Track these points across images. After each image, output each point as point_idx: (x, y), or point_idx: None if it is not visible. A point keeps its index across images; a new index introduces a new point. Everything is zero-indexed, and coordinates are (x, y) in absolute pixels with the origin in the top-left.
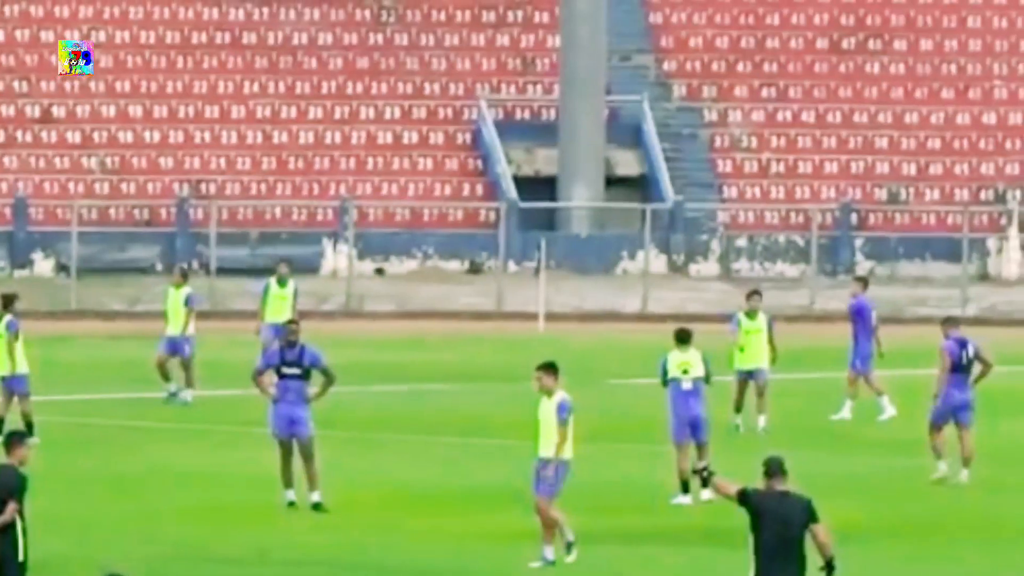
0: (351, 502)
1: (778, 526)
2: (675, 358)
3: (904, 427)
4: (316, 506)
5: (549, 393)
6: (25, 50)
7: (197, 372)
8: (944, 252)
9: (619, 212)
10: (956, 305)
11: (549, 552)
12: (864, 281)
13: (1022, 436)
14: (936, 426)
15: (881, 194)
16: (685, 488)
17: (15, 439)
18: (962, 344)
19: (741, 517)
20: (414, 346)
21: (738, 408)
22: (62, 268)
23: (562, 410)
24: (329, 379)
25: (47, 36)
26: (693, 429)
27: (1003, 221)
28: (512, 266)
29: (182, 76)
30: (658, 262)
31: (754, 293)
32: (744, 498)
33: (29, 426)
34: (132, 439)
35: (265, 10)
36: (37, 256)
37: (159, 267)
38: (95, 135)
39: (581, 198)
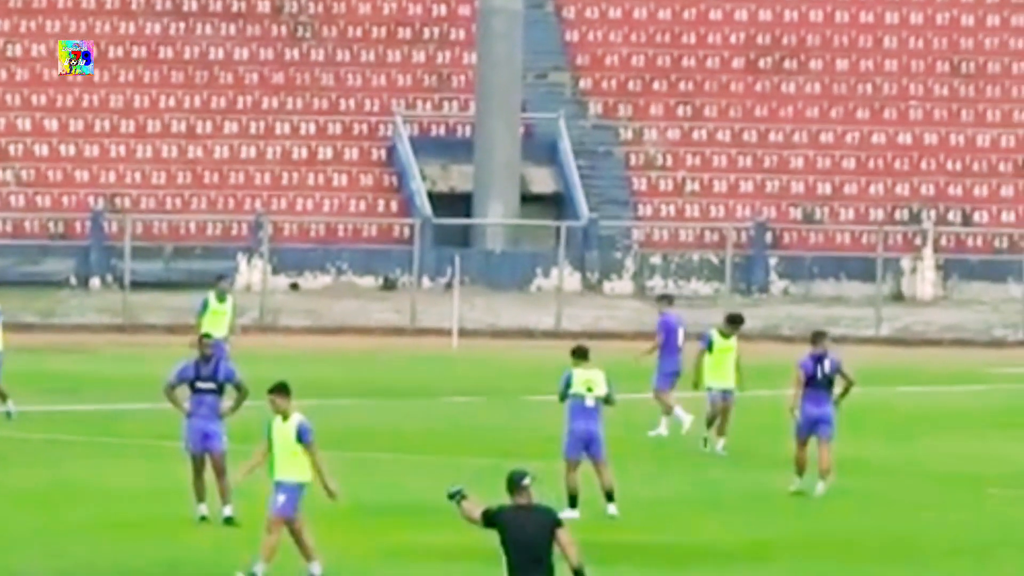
0: (263, 517)
1: (524, 540)
2: (579, 375)
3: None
4: (228, 520)
5: (285, 415)
6: None
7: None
8: (858, 272)
9: (534, 229)
10: (870, 325)
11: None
12: (669, 299)
13: (934, 454)
14: (799, 440)
15: (796, 213)
16: (573, 503)
17: None
18: (817, 359)
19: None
20: (328, 361)
21: (710, 423)
22: None
23: (304, 433)
24: (243, 394)
25: None
26: (588, 445)
27: (918, 241)
28: (426, 282)
29: (98, 90)
30: (572, 279)
31: (735, 318)
32: (489, 519)
33: None
34: (45, 452)
35: (181, 25)
36: None
37: (73, 280)
38: (10, 148)
39: (496, 215)
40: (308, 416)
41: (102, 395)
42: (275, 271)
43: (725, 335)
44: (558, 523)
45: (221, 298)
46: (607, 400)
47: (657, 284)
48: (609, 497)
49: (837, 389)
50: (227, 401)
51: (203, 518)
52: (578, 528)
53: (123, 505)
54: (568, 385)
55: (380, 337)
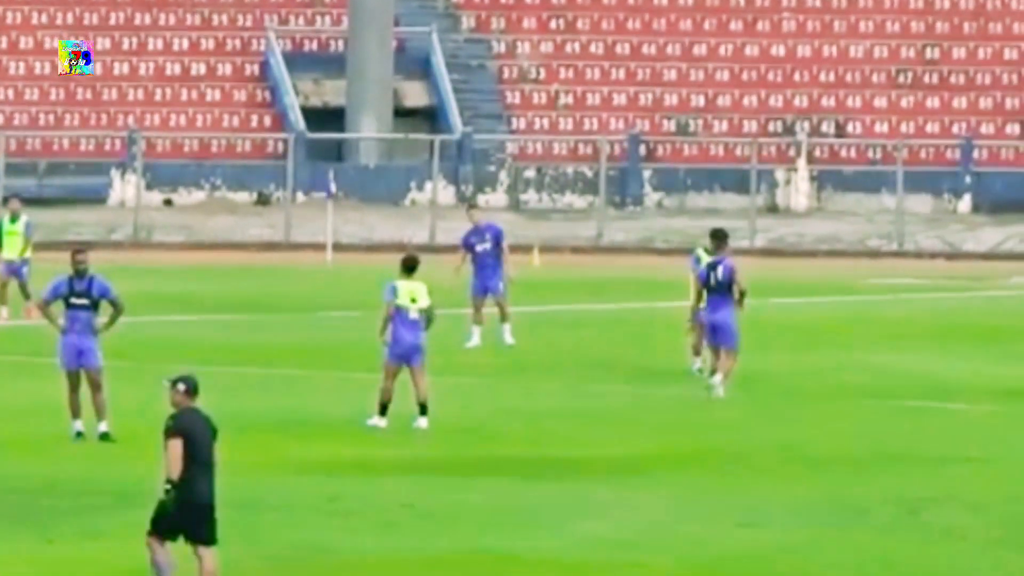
0: (138, 433)
1: (198, 439)
2: (404, 287)
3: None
4: (103, 436)
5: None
6: None
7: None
8: (732, 184)
9: (407, 143)
10: (745, 237)
11: None
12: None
13: (808, 366)
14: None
15: (670, 126)
16: (383, 411)
17: None
18: (711, 266)
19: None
20: (202, 277)
21: (697, 351)
22: None
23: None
24: (118, 310)
25: None
26: (410, 356)
27: (791, 153)
28: (300, 197)
29: None
30: (446, 193)
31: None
32: (180, 432)
33: None
34: None
35: None
36: None
37: (11, 195)
38: None
39: (369, 129)
40: (185, 332)
41: None
42: (149, 187)
43: (710, 252)
44: (216, 434)
45: (14, 219)
46: (428, 313)
47: (531, 198)
48: (422, 410)
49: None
50: (102, 317)
51: (79, 434)
52: (458, 441)
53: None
54: (393, 296)
55: (255, 252)
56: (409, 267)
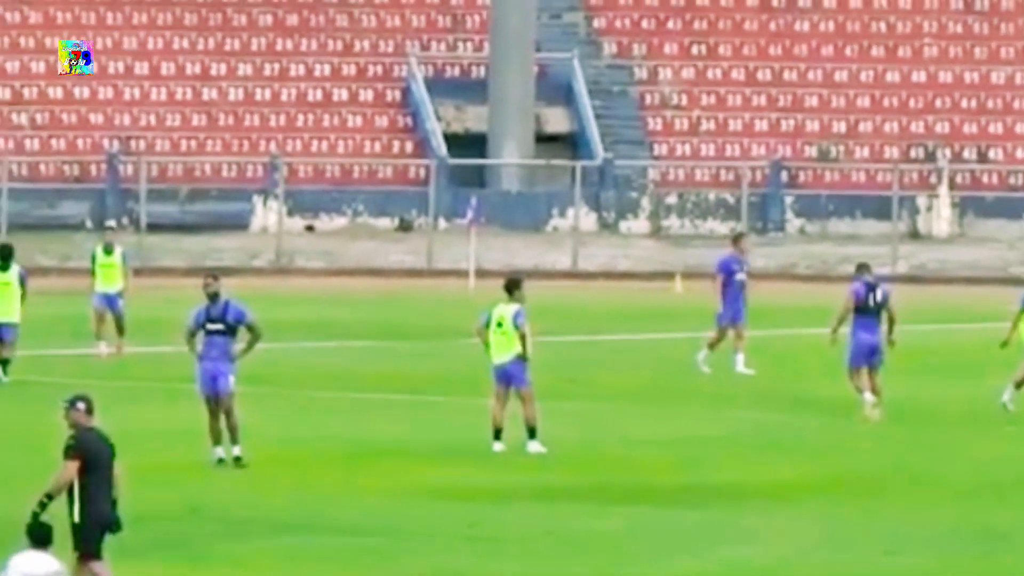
0: (279, 458)
1: (101, 459)
2: (497, 311)
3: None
4: (236, 460)
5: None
6: None
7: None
8: (874, 210)
9: (549, 169)
10: (886, 263)
11: None
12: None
13: (951, 393)
14: (853, 369)
15: (811, 151)
16: (497, 435)
17: None
18: (870, 287)
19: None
20: (344, 303)
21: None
22: None
23: None
24: (255, 335)
25: None
26: (511, 379)
27: (933, 179)
28: (442, 223)
29: (112, 32)
30: (588, 219)
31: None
32: (81, 452)
33: None
34: (62, 395)
35: None
36: None
37: (89, 224)
38: (25, 91)
39: (511, 155)
40: (325, 358)
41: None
42: (290, 213)
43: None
44: (114, 454)
45: (108, 250)
46: (518, 333)
47: (673, 224)
48: (531, 433)
49: (884, 324)
50: (240, 344)
51: (220, 460)
52: (595, 467)
53: (142, 449)
54: (487, 321)
55: (396, 279)
56: (509, 288)
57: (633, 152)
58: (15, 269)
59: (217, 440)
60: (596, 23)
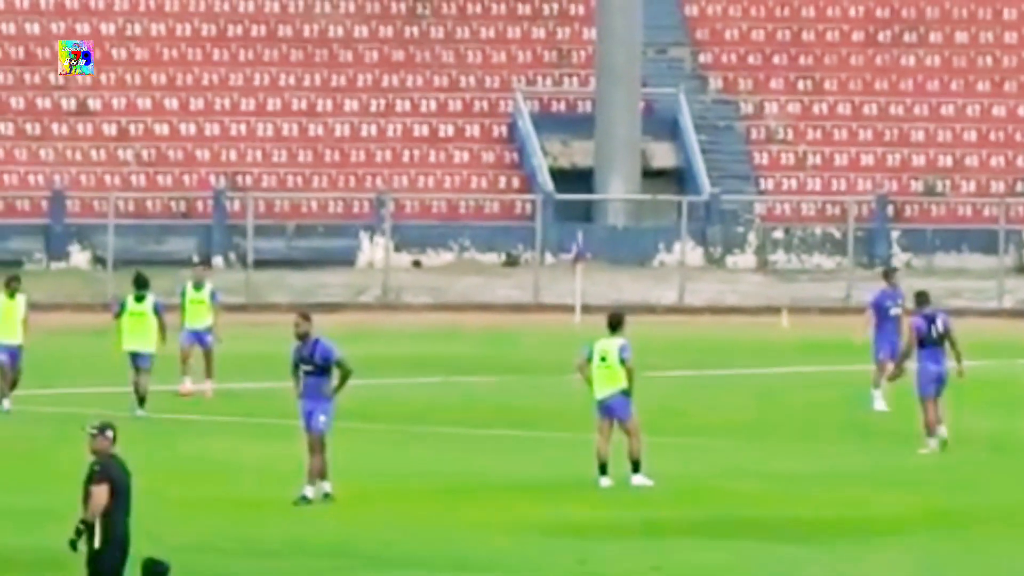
0: (386, 493)
1: (124, 484)
2: (599, 345)
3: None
4: (326, 496)
5: None
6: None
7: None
8: (981, 244)
9: (655, 204)
10: (993, 297)
11: None
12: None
13: None
14: (925, 400)
15: (917, 186)
16: (602, 470)
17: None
18: (929, 319)
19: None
20: (451, 338)
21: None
22: (99, 260)
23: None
24: (346, 373)
25: (82, 28)
26: (614, 412)
27: None
28: (549, 258)
29: (218, 68)
30: (694, 254)
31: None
32: (108, 478)
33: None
34: (169, 431)
35: (300, 2)
36: (74, 248)
37: (196, 259)
38: (131, 127)
39: (617, 190)
40: (432, 393)
41: (226, 373)
42: (397, 249)
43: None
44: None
45: (198, 286)
46: (623, 367)
47: (779, 258)
48: (635, 467)
49: (950, 353)
50: (333, 381)
51: (327, 496)
52: (701, 501)
53: (247, 483)
54: (589, 355)
55: (503, 314)
56: (612, 324)
57: (739, 187)
58: (150, 299)
59: (312, 479)
60: (702, 58)
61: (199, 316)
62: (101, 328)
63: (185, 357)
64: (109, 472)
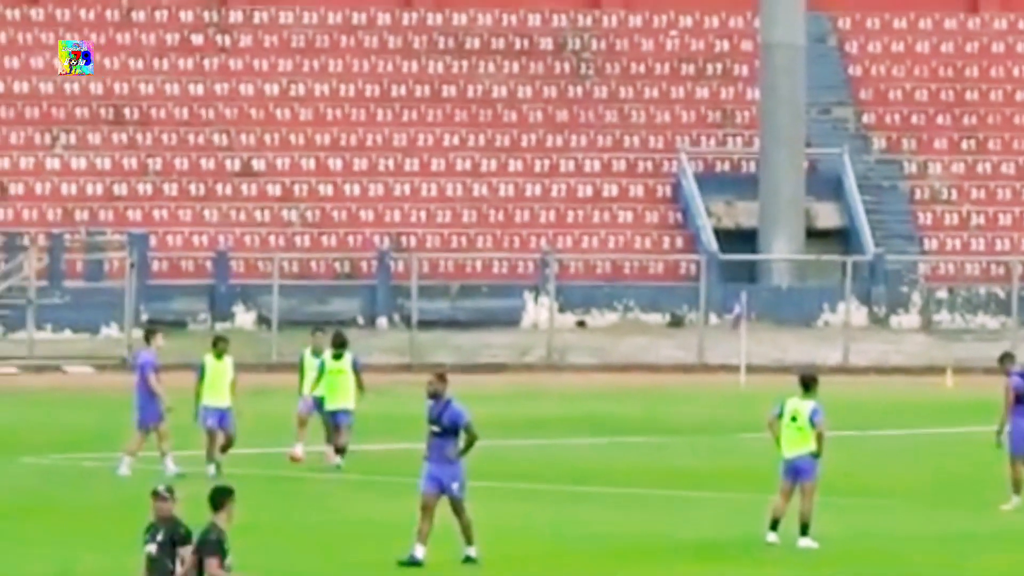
0: (554, 553)
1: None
2: (790, 405)
3: None
4: (467, 559)
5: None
6: (225, 104)
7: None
8: None
9: (819, 264)
10: None
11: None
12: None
13: None
14: (1014, 457)
15: None
16: (773, 526)
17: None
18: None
19: None
20: (615, 399)
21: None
22: (263, 321)
23: None
24: (471, 438)
25: (246, 89)
26: (797, 473)
27: None
28: (713, 319)
29: (382, 129)
30: (858, 314)
31: None
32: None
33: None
34: (329, 491)
35: (464, 63)
36: (238, 309)
37: (360, 320)
38: (295, 188)
39: (781, 250)
40: (597, 454)
41: (387, 434)
42: (561, 309)
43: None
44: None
45: (316, 353)
46: (814, 430)
47: (943, 319)
48: (803, 530)
49: None
50: (459, 444)
51: (412, 559)
52: (865, 564)
53: (401, 544)
54: (780, 413)
55: (667, 374)
56: (805, 384)
57: (903, 247)
58: (348, 357)
59: (419, 539)
60: (866, 118)
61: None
62: (264, 388)
63: (303, 422)
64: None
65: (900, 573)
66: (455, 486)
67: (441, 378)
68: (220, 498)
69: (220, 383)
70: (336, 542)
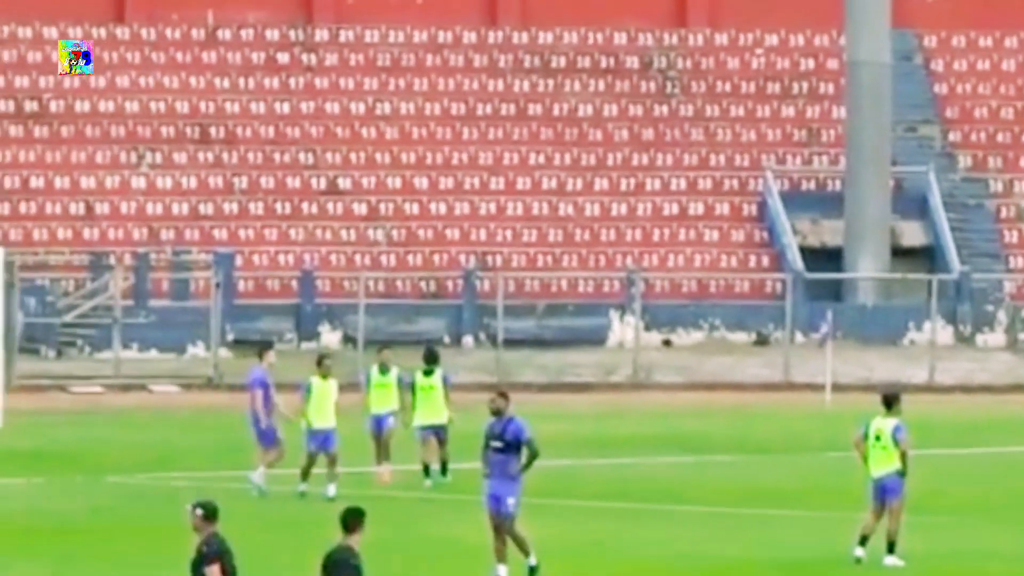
0: (640, 571)
1: (232, 561)
2: (875, 424)
3: None
4: (532, 570)
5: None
6: (310, 122)
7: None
8: None
9: (905, 283)
10: None
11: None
12: None
13: None
14: None
15: None
16: (862, 542)
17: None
18: None
19: None
20: (701, 417)
21: None
22: (349, 340)
23: None
24: (532, 454)
25: (332, 108)
26: (883, 492)
27: None
28: (799, 337)
29: (467, 147)
30: (945, 333)
31: None
32: (223, 554)
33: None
34: (412, 511)
35: (550, 81)
36: (324, 328)
37: (446, 339)
38: (381, 207)
39: (867, 269)
40: (684, 472)
41: (472, 453)
42: (647, 328)
43: None
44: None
45: (384, 370)
46: (897, 449)
47: None
48: (889, 548)
49: None
50: (521, 459)
51: (532, 569)
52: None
53: (483, 565)
54: (865, 433)
55: (753, 393)
56: (887, 402)
57: (989, 265)
58: (439, 373)
59: (498, 558)
60: (951, 136)
61: (384, 401)
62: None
63: (382, 442)
64: (224, 548)
65: None
66: (511, 501)
67: (503, 395)
68: (353, 520)
69: (326, 404)
70: (419, 563)
